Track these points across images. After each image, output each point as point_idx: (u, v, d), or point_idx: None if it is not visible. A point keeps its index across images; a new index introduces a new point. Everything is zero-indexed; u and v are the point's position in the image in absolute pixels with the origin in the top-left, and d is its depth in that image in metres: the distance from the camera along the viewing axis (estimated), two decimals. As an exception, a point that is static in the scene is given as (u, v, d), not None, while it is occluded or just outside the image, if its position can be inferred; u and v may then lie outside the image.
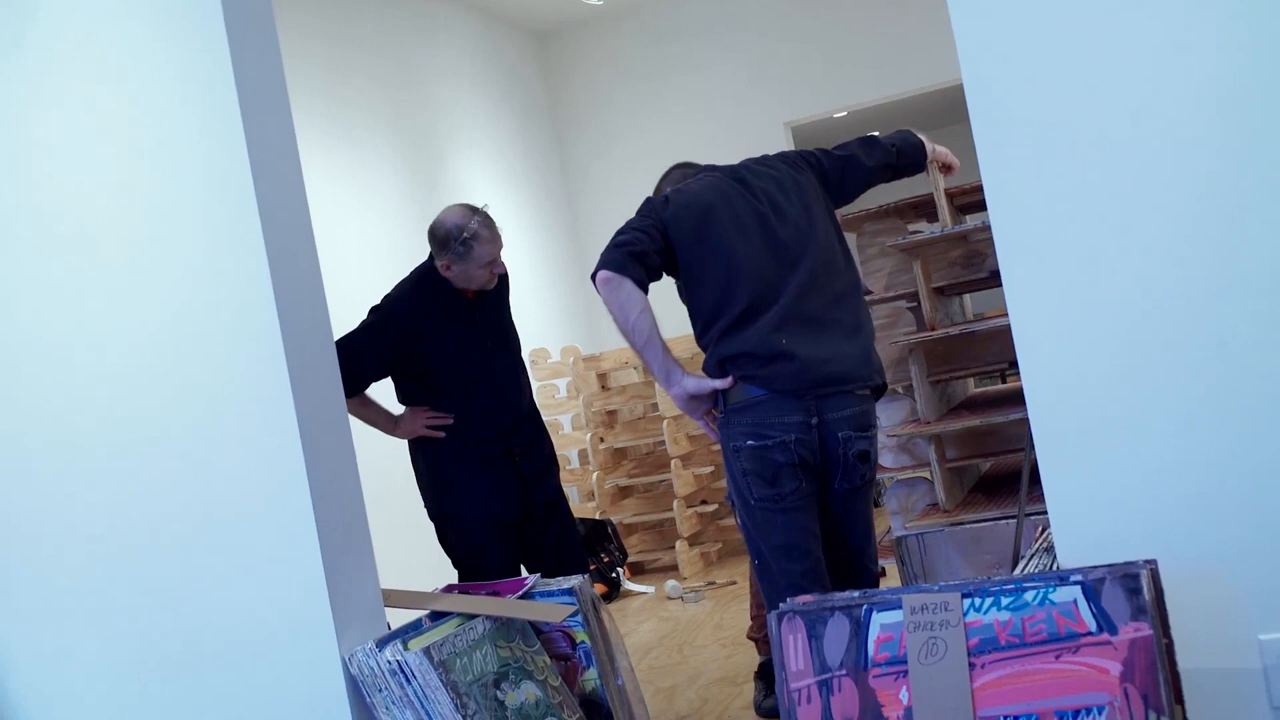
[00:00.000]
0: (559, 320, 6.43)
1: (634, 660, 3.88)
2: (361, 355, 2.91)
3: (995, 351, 2.80)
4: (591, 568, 5.01)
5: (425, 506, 3.06)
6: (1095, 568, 1.67)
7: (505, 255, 3.01)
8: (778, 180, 2.43)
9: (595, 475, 5.44)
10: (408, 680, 2.00)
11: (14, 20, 2.13)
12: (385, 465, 4.28)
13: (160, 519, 2.10)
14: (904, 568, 2.40)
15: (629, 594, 5.08)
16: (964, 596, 1.70)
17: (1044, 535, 2.19)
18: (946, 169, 2.79)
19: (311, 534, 2.03)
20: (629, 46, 6.90)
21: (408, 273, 3.09)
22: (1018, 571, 1.97)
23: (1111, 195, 1.69)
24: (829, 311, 2.33)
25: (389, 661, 2.00)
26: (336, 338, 2.91)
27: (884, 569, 2.75)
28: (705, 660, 3.74)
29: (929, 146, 2.64)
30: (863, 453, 2.36)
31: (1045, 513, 1.98)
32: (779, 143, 6.35)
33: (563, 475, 5.55)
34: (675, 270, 2.46)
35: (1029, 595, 1.68)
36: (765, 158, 2.52)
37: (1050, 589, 1.67)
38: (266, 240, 2.03)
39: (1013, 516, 2.48)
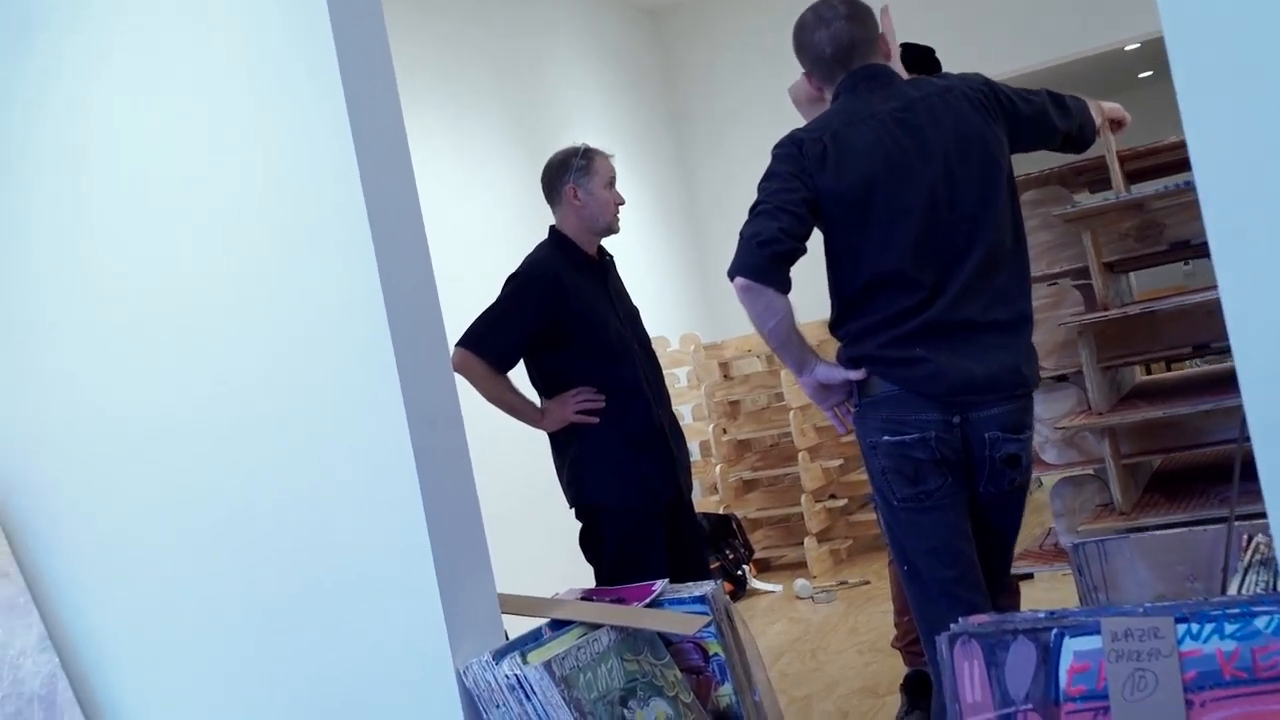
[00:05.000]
0: (678, 307, 6.23)
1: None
2: (509, 322, 2.80)
3: (1176, 333, 2.48)
4: (716, 565, 4.81)
5: (570, 502, 2.90)
6: (1345, 589, 1.38)
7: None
8: (959, 133, 2.06)
9: (719, 468, 5.23)
10: (527, 697, 1.82)
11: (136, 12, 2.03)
12: (512, 459, 4.18)
13: (267, 526, 1.98)
14: (1081, 578, 2.11)
15: (755, 592, 4.86)
16: (1178, 621, 1.43)
17: (1254, 545, 1.89)
18: (1117, 125, 2.49)
19: (423, 537, 1.87)
20: (748, 24, 6.63)
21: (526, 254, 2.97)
22: (1232, 589, 1.68)
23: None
24: (986, 313, 2.07)
25: (507, 676, 1.83)
26: (470, 322, 2.83)
27: (1031, 573, 2.46)
28: (842, 668, 3.50)
29: (1099, 118, 2.32)
30: (1012, 457, 2.13)
31: (1253, 517, 1.69)
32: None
33: (684, 468, 5.40)
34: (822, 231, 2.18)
35: (1260, 621, 1.40)
36: (947, 85, 2.13)
37: (1288, 614, 1.39)
38: (375, 238, 1.87)
39: (1210, 521, 2.17)
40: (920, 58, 2.96)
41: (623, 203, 2.95)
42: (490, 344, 2.81)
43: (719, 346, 5.46)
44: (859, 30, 2.23)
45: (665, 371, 5.47)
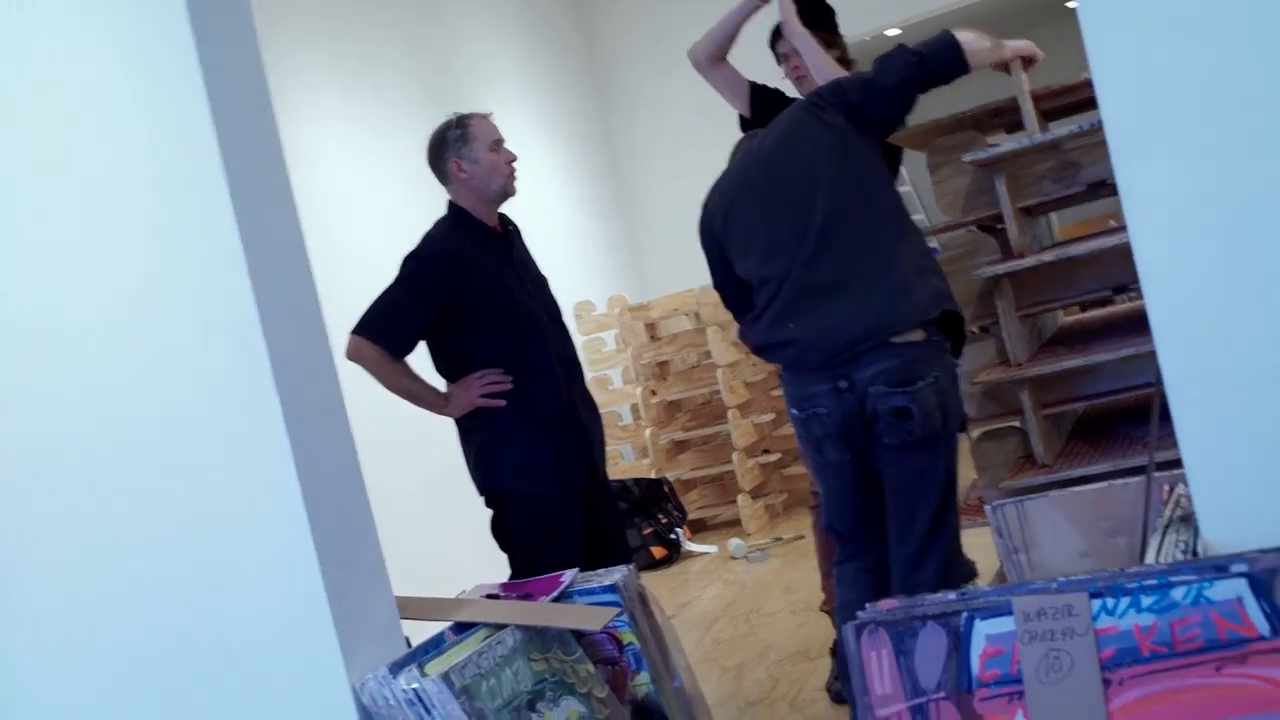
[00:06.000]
0: (605, 270, 6.09)
1: (698, 633, 3.59)
2: (408, 304, 2.64)
3: (1095, 277, 2.41)
4: (650, 530, 4.73)
5: (479, 490, 2.77)
6: (1265, 553, 1.31)
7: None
8: (785, 140, 2.35)
9: (649, 431, 5.14)
10: (427, 711, 1.71)
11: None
12: (410, 445, 4.04)
13: (132, 523, 1.82)
14: (1002, 540, 2.04)
15: (690, 555, 4.79)
16: (1092, 596, 1.36)
17: (1174, 499, 1.82)
18: (1028, 62, 2.39)
19: (306, 539, 1.73)
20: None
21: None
22: (1151, 551, 1.61)
23: (1258, 76, 1.30)
24: (841, 271, 2.22)
25: (404, 690, 1.71)
26: (374, 298, 2.67)
27: (974, 567, 2.47)
28: (775, 631, 3.44)
29: (973, 45, 2.26)
30: (899, 409, 2.17)
31: (1174, 465, 1.62)
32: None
33: (614, 432, 5.28)
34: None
35: (1178, 593, 1.33)
36: (794, 106, 2.42)
37: (1206, 584, 1.32)
38: (236, 207, 1.72)
39: (1132, 471, 2.11)
40: (819, 6, 2.94)
41: (514, 159, 2.77)
42: (386, 329, 2.65)
43: (646, 307, 5.34)
44: None
45: (592, 336, 5.36)
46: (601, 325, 5.39)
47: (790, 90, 3.05)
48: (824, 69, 2.70)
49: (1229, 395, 1.39)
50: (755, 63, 3.14)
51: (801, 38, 2.77)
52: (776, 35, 3.00)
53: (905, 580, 2.29)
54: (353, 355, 2.64)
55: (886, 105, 2.30)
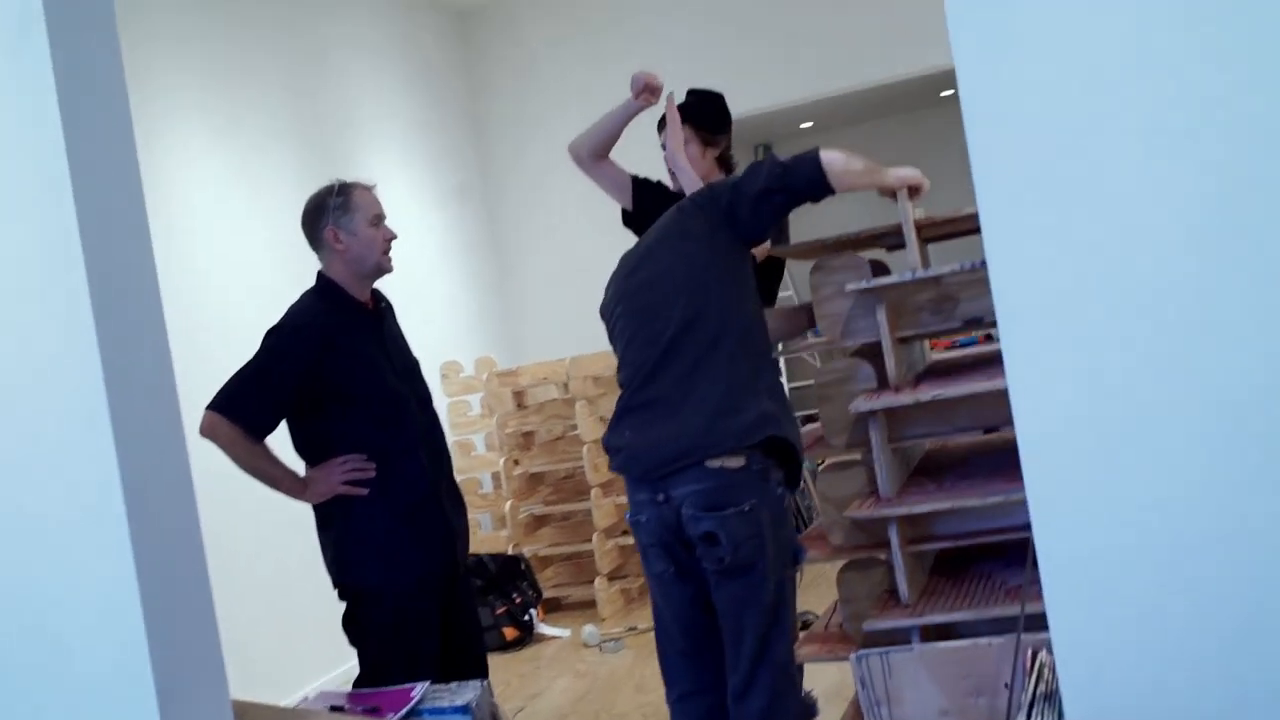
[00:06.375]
0: (473, 329, 5.92)
1: (544, 733, 3.43)
2: (267, 382, 2.47)
3: (970, 415, 2.39)
4: (503, 609, 4.56)
5: (334, 581, 2.58)
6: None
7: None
8: (659, 244, 2.37)
9: (509, 504, 4.97)
10: None
11: None
12: (280, 540, 3.79)
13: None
14: (864, 691, 1.98)
15: (542, 638, 4.63)
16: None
17: (1039, 667, 1.79)
18: (914, 192, 2.39)
19: (140, 642, 1.52)
20: (556, 32, 6.36)
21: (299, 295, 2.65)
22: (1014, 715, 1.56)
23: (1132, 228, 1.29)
24: (672, 389, 2.23)
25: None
26: (236, 369, 2.47)
27: (815, 705, 2.53)
28: (624, 737, 3.31)
29: (839, 165, 2.28)
30: (708, 534, 2.18)
31: (1036, 620, 1.58)
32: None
33: (474, 500, 5.09)
34: None
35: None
36: (671, 209, 2.44)
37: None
38: (88, 260, 1.55)
39: (993, 622, 2.08)
40: (702, 106, 3.00)
41: (393, 238, 2.64)
42: (244, 407, 2.46)
43: (514, 374, 5.19)
44: None
45: (458, 398, 5.18)
46: (468, 388, 5.22)
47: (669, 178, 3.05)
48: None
49: (1100, 557, 1.36)
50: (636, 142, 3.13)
51: (683, 172, 2.81)
52: (662, 124, 2.98)
53: (734, 709, 2.25)
54: (206, 432, 2.45)
55: (750, 210, 2.30)
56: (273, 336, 2.54)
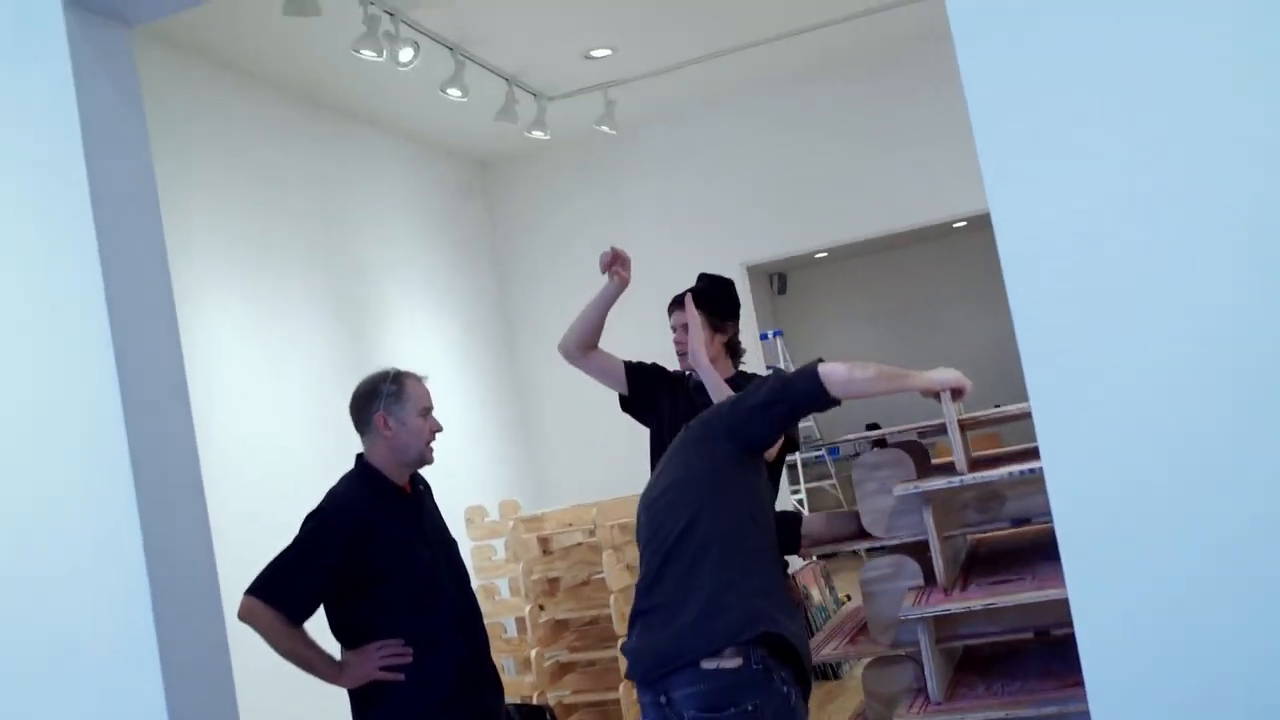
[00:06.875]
0: (496, 472, 5.95)
1: None
2: (307, 568, 2.50)
3: (1020, 616, 2.39)
4: (527, 764, 4.47)
5: None
6: None
7: (443, 402, 2.75)
8: (672, 453, 2.49)
9: (534, 652, 4.92)
10: None
11: None
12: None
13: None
14: None
15: (568, 794, 4.53)
16: None
17: None
18: (957, 394, 2.43)
19: None
20: (574, 181, 6.56)
21: (337, 479, 2.69)
22: None
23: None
24: (677, 590, 2.30)
25: None
26: (275, 555, 2.51)
27: None
28: None
29: (839, 375, 2.34)
30: None
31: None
32: (737, 281, 6.04)
33: (498, 644, 5.04)
34: None
35: None
36: (688, 426, 2.55)
37: None
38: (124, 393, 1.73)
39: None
40: (711, 293, 3.13)
41: (439, 430, 2.70)
42: (284, 592, 2.48)
43: (539, 520, 5.19)
44: None
45: (482, 543, 5.17)
46: (493, 532, 5.21)
47: (670, 357, 3.17)
48: (719, 393, 2.84)
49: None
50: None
51: (706, 372, 2.92)
52: (674, 304, 3.07)
53: None
54: (245, 616, 2.47)
55: (747, 422, 2.40)
56: (312, 521, 2.57)
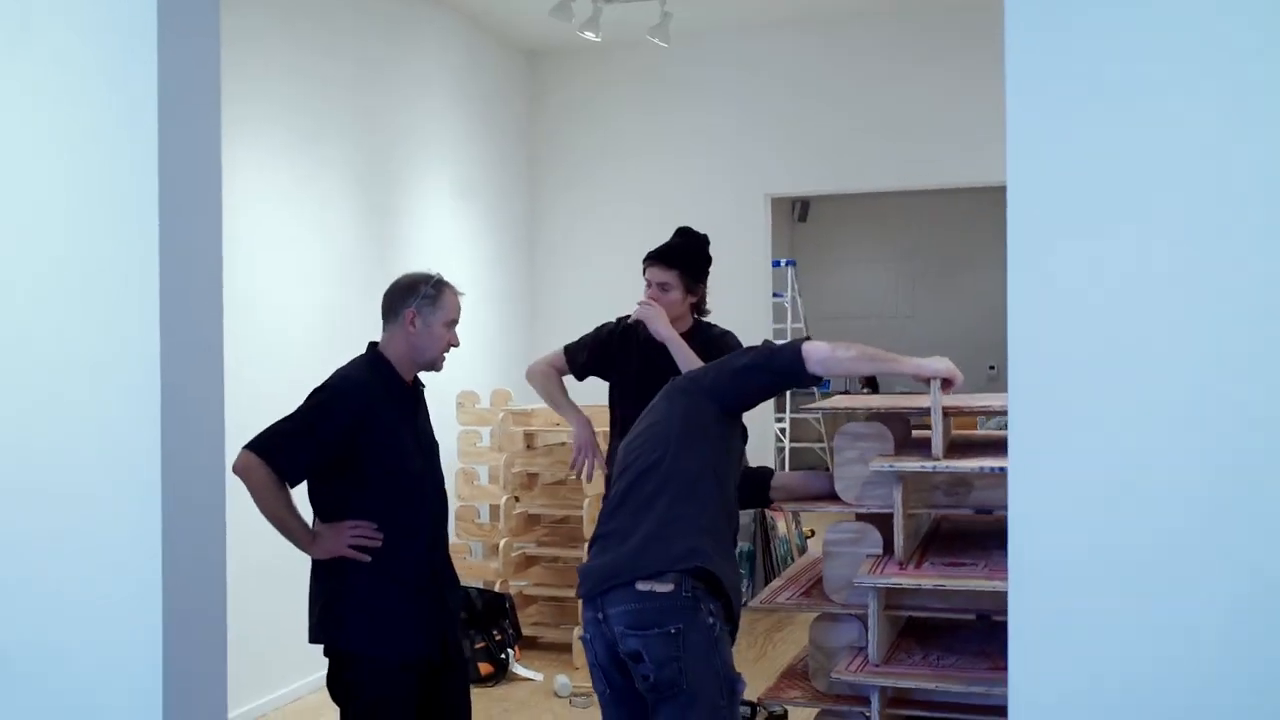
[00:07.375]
0: (495, 362, 6.06)
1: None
2: (308, 436, 2.63)
3: (965, 600, 2.52)
4: (482, 645, 4.69)
5: (316, 639, 2.71)
6: None
7: (456, 282, 2.86)
8: (659, 398, 2.66)
9: (503, 542, 5.10)
10: None
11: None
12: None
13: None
14: None
15: (515, 678, 4.77)
16: None
17: None
18: (947, 384, 2.51)
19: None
20: (617, 84, 6.54)
21: (346, 362, 2.82)
22: None
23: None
24: (628, 520, 2.45)
25: None
26: (276, 419, 2.63)
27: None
28: (582, 811, 3.44)
29: (822, 353, 2.49)
30: (633, 652, 2.33)
31: None
32: (757, 210, 6.07)
33: (469, 528, 5.23)
34: None
35: None
36: (670, 382, 2.73)
37: None
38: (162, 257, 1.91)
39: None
40: (688, 248, 3.31)
41: (456, 344, 2.82)
42: (282, 455, 2.61)
43: (528, 415, 5.32)
44: None
45: (469, 429, 5.31)
46: (482, 420, 5.34)
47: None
48: (686, 362, 3.08)
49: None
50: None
51: (674, 344, 3.14)
52: (655, 259, 3.30)
53: None
54: (240, 471, 2.60)
55: (730, 382, 2.57)
56: (318, 395, 2.69)
